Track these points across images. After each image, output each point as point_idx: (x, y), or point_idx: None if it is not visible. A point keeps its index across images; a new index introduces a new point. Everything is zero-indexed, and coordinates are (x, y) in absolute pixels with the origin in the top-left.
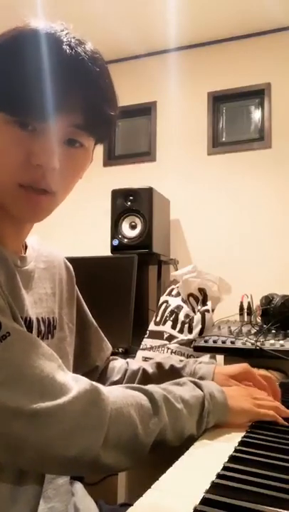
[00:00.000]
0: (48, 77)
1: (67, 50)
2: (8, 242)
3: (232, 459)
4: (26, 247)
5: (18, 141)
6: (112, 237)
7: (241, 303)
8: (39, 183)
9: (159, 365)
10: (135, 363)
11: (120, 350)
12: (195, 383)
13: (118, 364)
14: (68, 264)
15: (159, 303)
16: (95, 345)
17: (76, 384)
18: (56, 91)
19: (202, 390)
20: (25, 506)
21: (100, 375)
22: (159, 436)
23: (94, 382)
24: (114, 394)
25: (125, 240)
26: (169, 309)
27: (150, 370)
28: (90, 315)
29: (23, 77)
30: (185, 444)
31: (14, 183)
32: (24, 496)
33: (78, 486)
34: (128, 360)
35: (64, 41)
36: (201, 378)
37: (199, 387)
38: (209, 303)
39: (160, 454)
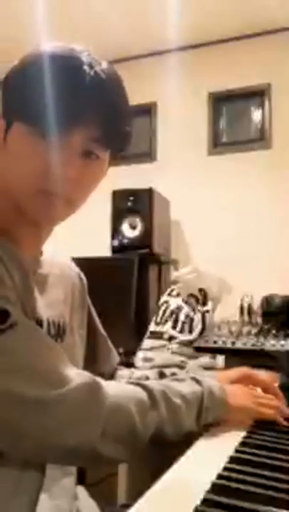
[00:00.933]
0: (67, 93)
1: (87, 70)
2: (25, 245)
3: (232, 459)
4: (42, 254)
5: (38, 150)
6: (113, 238)
7: (242, 303)
8: (57, 189)
9: (162, 374)
10: (139, 372)
11: (121, 350)
12: (195, 379)
13: (124, 373)
14: (82, 275)
15: (160, 303)
16: (102, 353)
17: (77, 376)
18: (74, 106)
19: (201, 386)
20: (27, 498)
21: None
22: (157, 429)
23: (95, 377)
24: (114, 388)
25: (125, 241)
26: (169, 310)
27: (152, 377)
28: (100, 325)
29: (43, 91)
30: (184, 440)
31: (33, 189)
32: (26, 487)
33: (80, 489)
34: (133, 369)
35: (84, 61)
36: None
37: (199, 383)
38: (209, 303)
39: (160, 451)
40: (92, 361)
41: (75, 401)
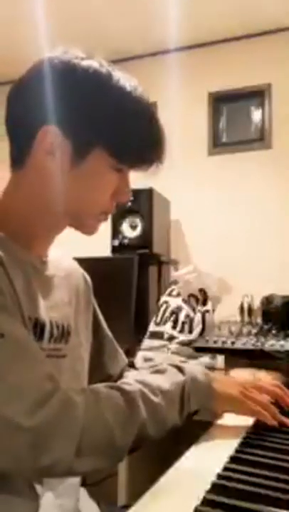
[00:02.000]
0: (157, 143)
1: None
2: (34, 245)
3: (232, 459)
4: (47, 255)
5: (113, 181)
6: (113, 238)
7: (242, 303)
8: (112, 210)
9: None
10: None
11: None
12: (178, 368)
13: (131, 375)
14: (87, 277)
15: (160, 303)
16: (108, 354)
17: (53, 395)
18: (160, 155)
19: (184, 374)
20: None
21: None
22: (139, 433)
23: (72, 392)
24: (89, 399)
25: (125, 241)
26: (169, 310)
27: None
28: (106, 326)
29: (140, 137)
30: (184, 440)
31: (99, 211)
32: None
33: (80, 490)
34: (139, 371)
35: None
36: None
37: (181, 371)
38: (209, 303)
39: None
40: (98, 362)
41: (47, 422)
